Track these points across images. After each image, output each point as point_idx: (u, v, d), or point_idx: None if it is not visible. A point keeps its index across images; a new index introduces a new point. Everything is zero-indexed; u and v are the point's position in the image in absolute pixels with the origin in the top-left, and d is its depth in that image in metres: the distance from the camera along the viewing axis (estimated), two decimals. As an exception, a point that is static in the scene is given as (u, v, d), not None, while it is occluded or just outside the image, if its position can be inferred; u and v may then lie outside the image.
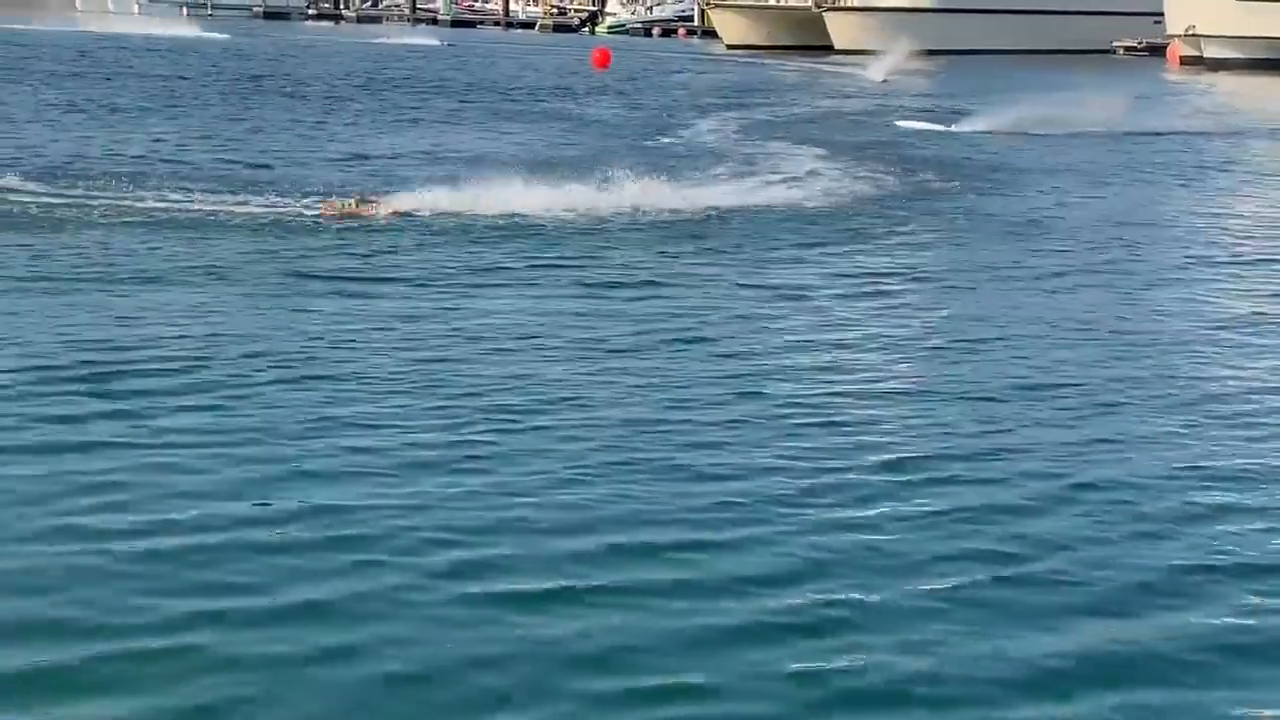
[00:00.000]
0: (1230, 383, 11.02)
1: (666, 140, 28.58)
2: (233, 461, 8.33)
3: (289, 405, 9.47)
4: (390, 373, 10.30)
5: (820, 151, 26.76)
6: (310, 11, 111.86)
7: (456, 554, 7.12)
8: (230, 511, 7.58)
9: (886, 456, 8.83)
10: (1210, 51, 69.54)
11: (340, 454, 8.53)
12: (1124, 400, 10.36)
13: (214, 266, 14.05)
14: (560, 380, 10.24)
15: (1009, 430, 9.47)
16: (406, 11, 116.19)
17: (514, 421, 9.24)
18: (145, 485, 7.94)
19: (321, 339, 11.26)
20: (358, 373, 10.27)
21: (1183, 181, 24.98)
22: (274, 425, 9.03)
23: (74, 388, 9.70)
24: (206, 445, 8.63)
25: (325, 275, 13.77)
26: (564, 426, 9.17)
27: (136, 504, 7.67)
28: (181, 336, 11.19)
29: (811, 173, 23.40)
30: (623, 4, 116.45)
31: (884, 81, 36.44)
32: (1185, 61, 69.72)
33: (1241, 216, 20.91)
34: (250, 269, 13.95)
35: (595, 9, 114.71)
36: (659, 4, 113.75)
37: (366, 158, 23.85)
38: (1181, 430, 9.68)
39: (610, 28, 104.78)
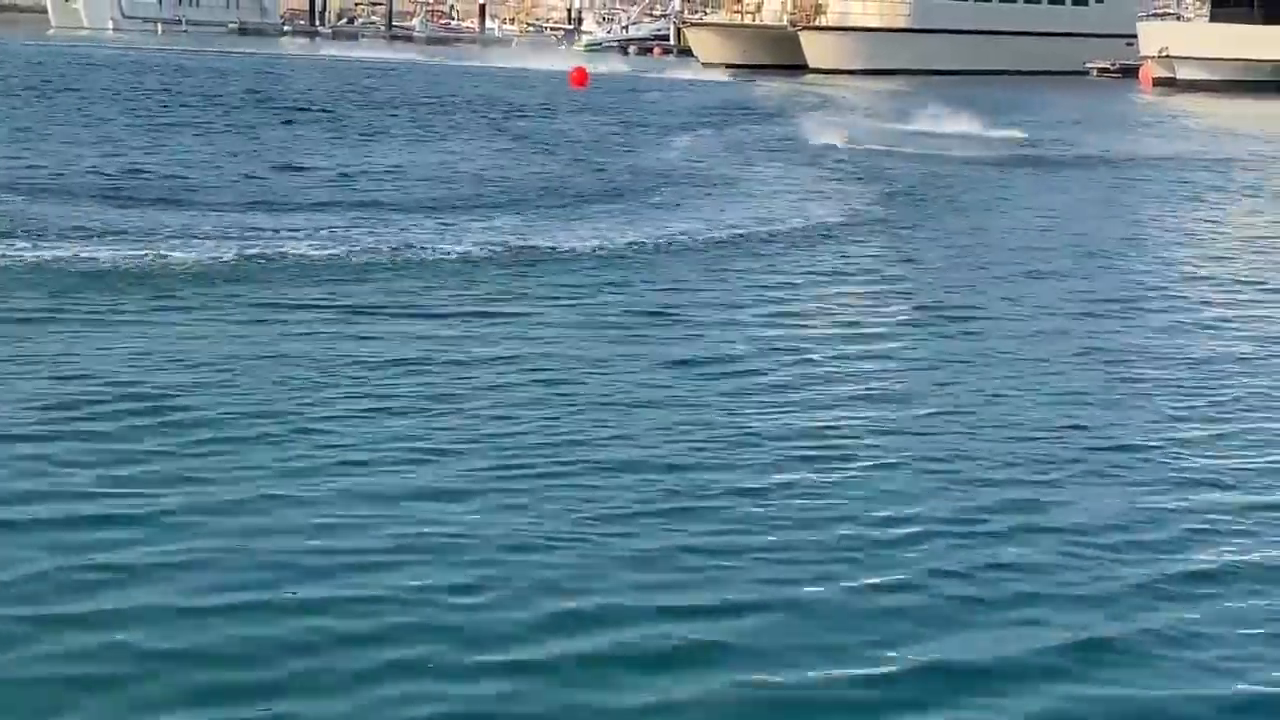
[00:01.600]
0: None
1: (642, 159, 28.42)
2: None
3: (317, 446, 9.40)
4: (417, 405, 10.06)
5: (790, 173, 26.73)
6: (286, 29, 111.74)
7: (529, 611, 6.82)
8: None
9: (960, 497, 8.64)
10: (1183, 73, 69.92)
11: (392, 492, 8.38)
12: (1187, 439, 10.15)
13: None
14: (583, 425, 9.72)
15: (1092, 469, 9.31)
16: (382, 29, 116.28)
17: (541, 463, 8.93)
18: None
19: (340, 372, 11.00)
20: (378, 408, 9.95)
21: (1172, 205, 24.89)
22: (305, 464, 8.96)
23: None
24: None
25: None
26: (601, 469, 8.81)
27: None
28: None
29: (788, 195, 23.37)
30: (599, 22, 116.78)
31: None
32: (1158, 83, 70.06)
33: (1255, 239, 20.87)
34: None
35: (572, 27, 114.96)
36: (635, 23, 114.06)
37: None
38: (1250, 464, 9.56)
39: (587, 46, 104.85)
